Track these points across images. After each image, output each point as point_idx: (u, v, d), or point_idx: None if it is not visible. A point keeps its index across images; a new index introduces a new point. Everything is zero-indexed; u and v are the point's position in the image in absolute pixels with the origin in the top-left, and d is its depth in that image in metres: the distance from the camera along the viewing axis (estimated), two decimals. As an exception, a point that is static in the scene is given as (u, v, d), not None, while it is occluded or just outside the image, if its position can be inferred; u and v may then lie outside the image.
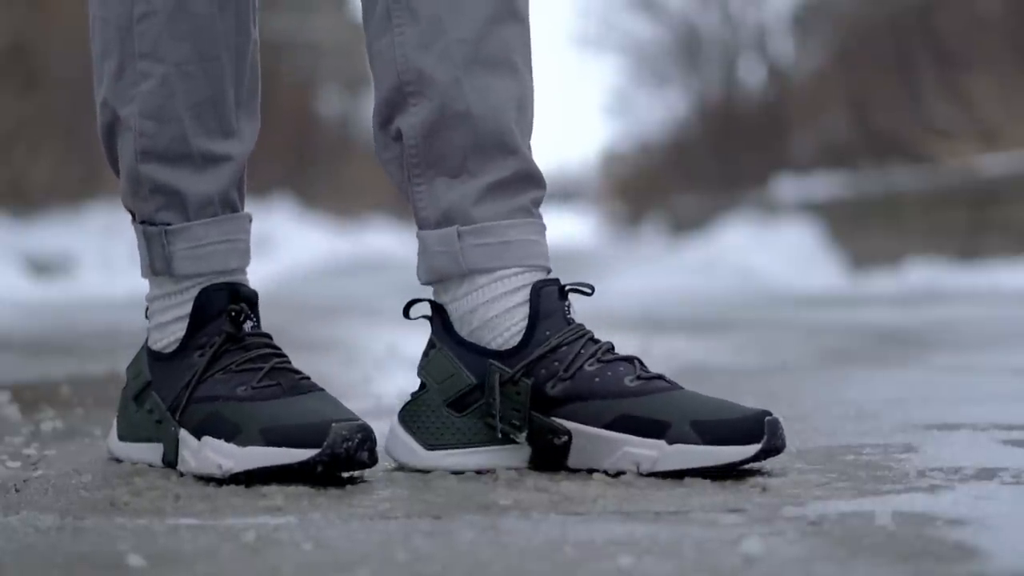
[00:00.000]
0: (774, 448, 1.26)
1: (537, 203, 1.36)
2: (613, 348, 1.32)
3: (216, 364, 1.33)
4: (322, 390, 1.31)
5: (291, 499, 1.20)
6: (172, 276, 1.39)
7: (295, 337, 3.36)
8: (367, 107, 23.03)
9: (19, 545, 1.04)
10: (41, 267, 6.08)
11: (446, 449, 1.32)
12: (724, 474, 1.27)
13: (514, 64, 1.33)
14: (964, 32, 8.47)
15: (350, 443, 1.22)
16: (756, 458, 1.25)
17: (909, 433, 1.56)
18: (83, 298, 5.18)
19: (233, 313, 1.36)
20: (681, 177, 16.64)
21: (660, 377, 1.30)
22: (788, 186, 10.30)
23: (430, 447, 1.32)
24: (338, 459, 1.22)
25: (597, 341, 1.31)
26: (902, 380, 2.25)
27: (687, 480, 1.25)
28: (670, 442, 1.25)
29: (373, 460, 1.24)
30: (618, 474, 1.27)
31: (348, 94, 21.19)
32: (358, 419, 1.25)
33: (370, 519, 1.12)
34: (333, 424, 1.22)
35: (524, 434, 1.29)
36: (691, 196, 15.14)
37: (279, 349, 1.37)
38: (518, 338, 1.31)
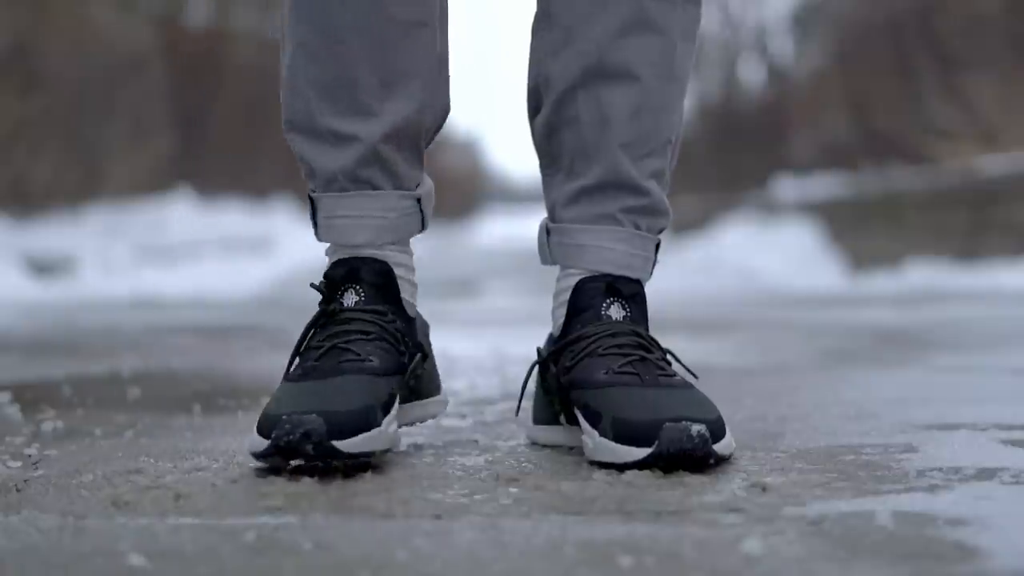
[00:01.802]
0: (667, 454, 1.25)
1: (629, 211, 1.43)
2: (645, 346, 1.38)
3: (305, 340, 1.42)
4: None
5: (291, 499, 1.20)
6: (319, 241, 1.49)
7: (296, 337, 3.36)
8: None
9: (20, 545, 1.04)
10: (41, 267, 6.08)
11: (540, 425, 1.48)
12: (719, 472, 1.27)
13: (635, 74, 1.42)
14: (964, 32, 8.46)
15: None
16: (648, 463, 1.26)
17: (909, 433, 1.56)
18: (83, 298, 5.18)
19: (320, 288, 1.45)
20: (681, 177, 16.63)
21: (665, 374, 1.35)
22: (788, 186, 10.30)
23: (535, 421, 1.49)
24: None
25: (617, 336, 1.38)
26: (902, 380, 2.25)
27: (687, 480, 1.25)
28: (600, 435, 1.31)
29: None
30: (618, 474, 1.27)
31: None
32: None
33: (370, 519, 1.12)
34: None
35: (563, 416, 1.42)
36: (691, 196, 15.15)
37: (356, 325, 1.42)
38: (560, 329, 1.44)
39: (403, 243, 1.47)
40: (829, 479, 1.27)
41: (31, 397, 2.00)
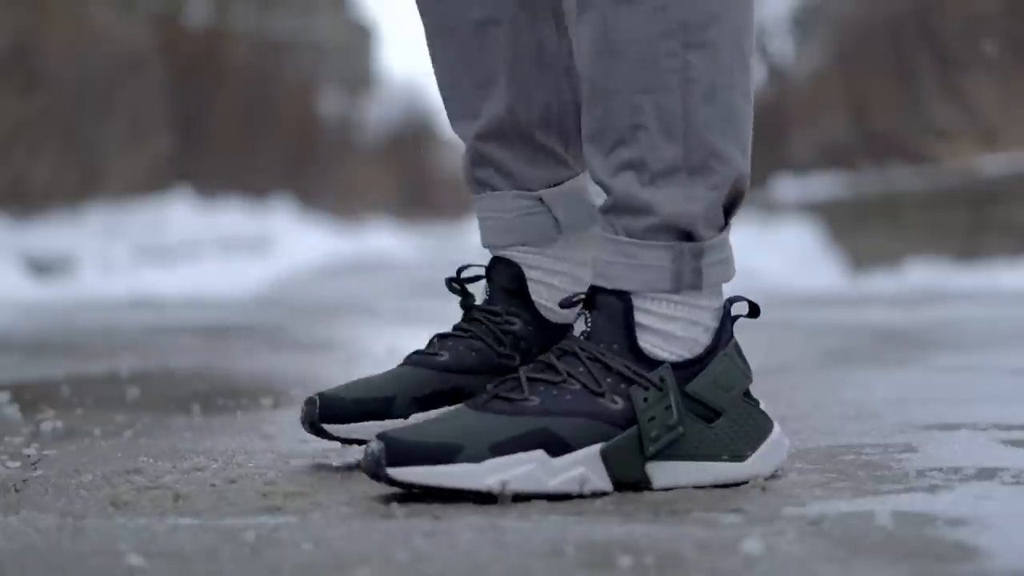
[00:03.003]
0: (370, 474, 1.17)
1: (603, 212, 1.27)
2: (545, 367, 1.26)
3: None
4: None
5: (291, 499, 1.20)
6: None
7: (295, 337, 3.36)
8: (367, 107, 22.96)
9: (19, 545, 1.04)
10: (41, 267, 6.07)
11: None
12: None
13: (579, 62, 1.29)
14: (964, 32, 8.46)
15: None
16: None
17: (909, 433, 1.56)
18: (83, 298, 5.17)
19: (454, 288, 1.44)
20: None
21: (508, 398, 1.23)
22: (788, 186, 10.30)
23: None
24: None
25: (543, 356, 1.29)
26: (902, 380, 2.25)
27: (687, 480, 1.25)
28: None
29: None
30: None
31: (348, 94, 21.19)
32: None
33: (370, 519, 1.12)
34: None
35: None
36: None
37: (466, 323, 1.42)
38: None
39: (537, 244, 1.41)
40: (829, 479, 1.26)
41: (30, 397, 1.99)
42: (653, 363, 1.23)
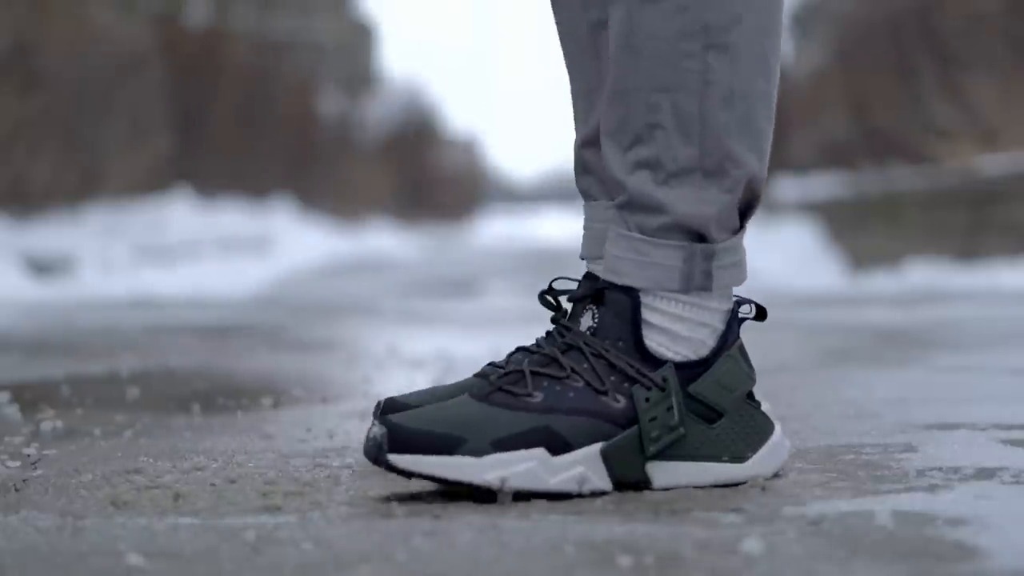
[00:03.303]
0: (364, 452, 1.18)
1: (619, 208, 1.27)
2: (548, 360, 1.26)
3: None
4: None
5: (291, 499, 1.20)
6: None
7: (295, 337, 3.36)
8: (367, 107, 22.92)
9: (19, 545, 1.04)
10: (41, 267, 6.07)
11: None
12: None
13: (611, 55, 1.28)
14: (964, 32, 8.46)
15: None
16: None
17: (909, 433, 1.56)
18: (83, 298, 5.17)
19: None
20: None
21: (509, 391, 1.22)
22: (788, 186, 10.30)
23: None
24: None
25: (540, 348, 1.28)
26: (902, 380, 2.25)
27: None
28: None
29: None
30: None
31: (348, 94, 21.19)
32: None
33: (370, 519, 1.12)
34: None
35: None
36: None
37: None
38: None
39: None
40: (829, 479, 1.26)
41: (30, 397, 1.99)
42: (657, 362, 1.23)
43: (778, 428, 1.28)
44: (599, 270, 1.30)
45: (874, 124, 9.69)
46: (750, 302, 1.29)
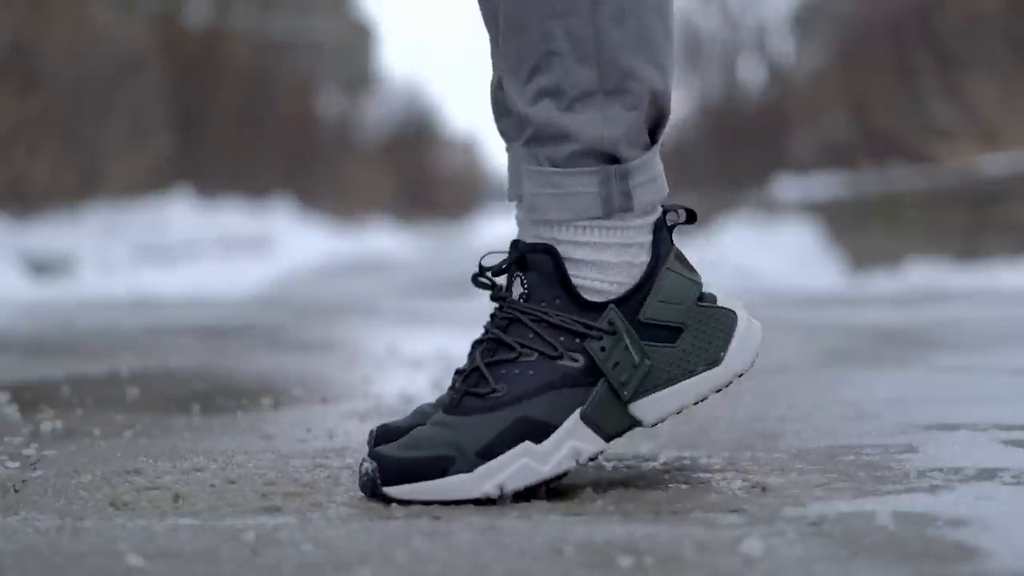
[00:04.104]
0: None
1: (527, 143, 1.25)
2: (495, 344, 1.25)
3: None
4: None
5: (291, 499, 1.20)
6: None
7: (295, 337, 3.36)
8: (367, 107, 22.90)
9: (19, 545, 1.04)
10: (40, 267, 6.08)
11: None
12: (719, 473, 1.27)
13: None
14: (964, 32, 8.46)
15: None
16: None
17: (909, 433, 1.56)
18: (82, 298, 5.17)
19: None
20: (681, 177, 16.66)
21: (476, 393, 1.23)
22: (788, 186, 10.30)
23: None
24: None
25: (484, 335, 1.27)
26: (902, 380, 2.25)
27: (686, 481, 1.25)
28: None
29: None
30: (617, 474, 1.27)
31: (348, 94, 21.19)
32: None
33: (370, 519, 1.12)
34: None
35: None
36: (691, 196, 15.16)
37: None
38: None
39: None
40: (829, 479, 1.26)
41: (30, 397, 1.99)
42: (599, 308, 1.22)
43: (742, 314, 1.26)
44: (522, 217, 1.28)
45: (874, 124, 9.69)
46: (677, 208, 1.27)
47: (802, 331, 3.45)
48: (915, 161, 8.56)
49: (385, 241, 15.97)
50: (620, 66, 1.22)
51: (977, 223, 6.79)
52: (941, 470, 1.29)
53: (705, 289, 1.26)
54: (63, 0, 8.94)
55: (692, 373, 1.23)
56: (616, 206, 1.23)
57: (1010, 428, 1.57)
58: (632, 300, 1.22)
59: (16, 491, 1.25)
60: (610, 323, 1.21)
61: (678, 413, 1.23)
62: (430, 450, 1.17)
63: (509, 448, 1.18)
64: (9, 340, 3.31)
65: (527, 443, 1.18)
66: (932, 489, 1.20)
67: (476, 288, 1.31)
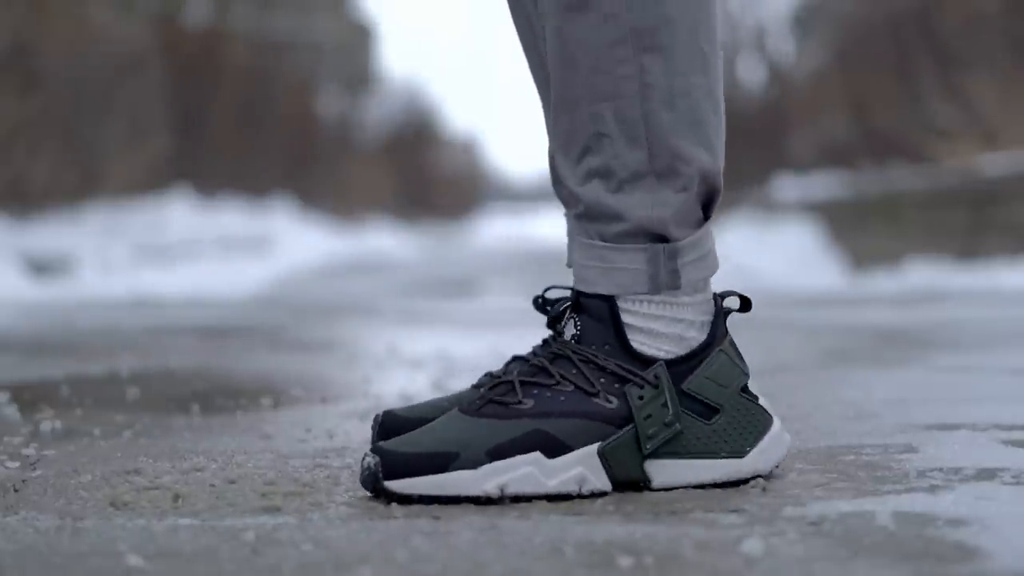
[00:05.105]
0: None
1: (577, 218, 1.28)
2: (537, 370, 1.26)
3: None
4: None
5: (291, 499, 1.20)
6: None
7: (295, 337, 3.36)
8: (367, 107, 22.88)
9: (18, 545, 1.04)
10: (40, 267, 6.08)
11: None
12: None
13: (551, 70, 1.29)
14: (964, 32, 8.46)
15: None
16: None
17: (909, 433, 1.56)
18: (82, 298, 5.17)
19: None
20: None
21: (500, 402, 1.23)
22: (788, 186, 10.30)
23: None
24: None
25: (532, 357, 1.29)
26: (902, 380, 2.25)
27: (687, 480, 1.25)
28: None
29: None
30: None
31: (348, 94, 21.19)
32: None
33: (370, 519, 1.12)
34: None
35: None
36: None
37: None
38: None
39: None
40: (829, 479, 1.26)
41: (29, 397, 1.99)
42: (647, 361, 1.23)
43: (777, 421, 1.28)
44: None
45: (874, 124, 9.69)
46: (733, 294, 1.28)
47: (802, 331, 3.45)
48: (915, 161, 8.56)
49: (385, 241, 15.97)
50: (670, 148, 1.23)
51: (977, 223, 6.79)
52: (941, 470, 1.29)
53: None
54: (63, 0, 8.94)
55: (715, 455, 1.23)
56: (663, 284, 1.24)
57: (1010, 428, 1.57)
58: (680, 368, 1.24)
59: (16, 491, 1.25)
60: (655, 376, 1.22)
61: (684, 488, 1.22)
62: (433, 446, 1.18)
63: (520, 454, 1.18)
64: (9, 340, 3.31)
65: (538, 454, 1.18)
66: (932, 489, 1.20)
67: (535, 310, 1.36)
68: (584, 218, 1.26)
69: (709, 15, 1.25)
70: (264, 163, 13.99)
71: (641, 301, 1.24)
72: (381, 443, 1.20)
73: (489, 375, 1.34)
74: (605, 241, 1.24)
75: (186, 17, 12.72)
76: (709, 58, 1.24)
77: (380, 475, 1.17)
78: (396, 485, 1.16)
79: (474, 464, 1.17)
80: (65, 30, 8.86)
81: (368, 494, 1.21)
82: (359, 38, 24.72)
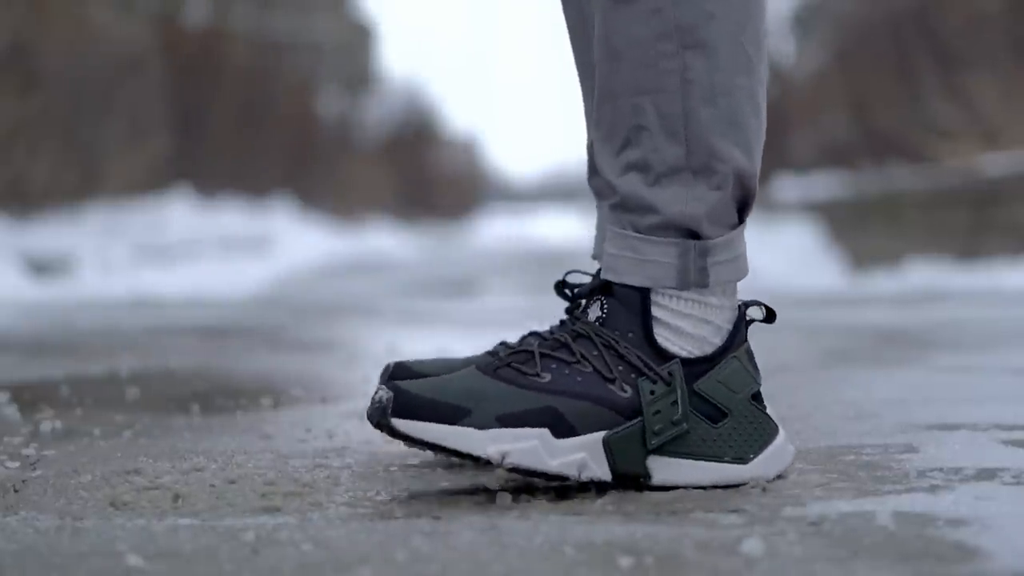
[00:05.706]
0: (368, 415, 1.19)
1: (612, 209, 1.29)
2: (558, 344, 1.26)
3: None
4: None
5: (291, 499, 1.20)
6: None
7: (295, 337, 3.36)
8: (367, 107, 22.86)
9: (18, 545, 1.04)
10: (41, 267, 6.07)
11: None
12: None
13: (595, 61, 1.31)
14: (964, 32, 8.46)
15: None
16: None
17: (909, 433, 1.56)
18: (81, 298, 5.17)
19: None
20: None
21: (520, 371, 1.23)
22: (788, 186, 10.30)
23: None
24: None
25: (555, 332, 1.29)
26: (902, 380, 2.25)
27: (687, 480, 1.25)
28: None
29: None
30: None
31: (348, 94, 21.19)
32: None
33: (370, 519, 1.12)
34: None
35: None
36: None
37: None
38: None
39: None
40: (829, 479, 1.26)
41: (29, 397, 1.99)
42: (665, 357, 1.24)
43: (782, 432, 1.28)
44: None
45: (874, 124, 9.69)
46: (759, 304, 1.29)
47: (802, 331, 3.45)
48: (915, 161, 8.56)
49: (385, 241, 15.96)
50: (707, 146, 1.24)
51: (978, 223, 6.79)
52: (941, 470, 1.29)
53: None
54: (63, 0, 8.94)
55: (718, 459, 1.24)
56: (692, 280, 1.25)
57: (1010, 428, 1.57)
58: (694, 368, 1.24)
59: (16, 491, 1.25)
60: (670, 373, 1.23)
61: (683, 488, 1.22)
62: (450, 397, 1.18)
63: (528, 426, 1.18)
64: (9, 340, 3.31)
65: (546, 430, 1.19)
66: (932, 489, 1.20)
67: (556, 295, 1.37)
68: (619, 208, 1.27)
69: (753, 17, 1.25)
70: (264, 163, 13.98)
71: (672, 297, 1.25)
72: (400, 381, 1.19)
73: (504, 344, 1.35)
74: (638, 232, 1.25)
75: (186, 17, 12.72)
76: (753, 61, 1.25)
77: (389, 410, 1.16)
78: (402, 424, 1.16)
79: (482, 425, 1.17)
80: (65, 30, 8.86)
81: (368, 494, 1.21)
82: (359, 38, 24.71)
